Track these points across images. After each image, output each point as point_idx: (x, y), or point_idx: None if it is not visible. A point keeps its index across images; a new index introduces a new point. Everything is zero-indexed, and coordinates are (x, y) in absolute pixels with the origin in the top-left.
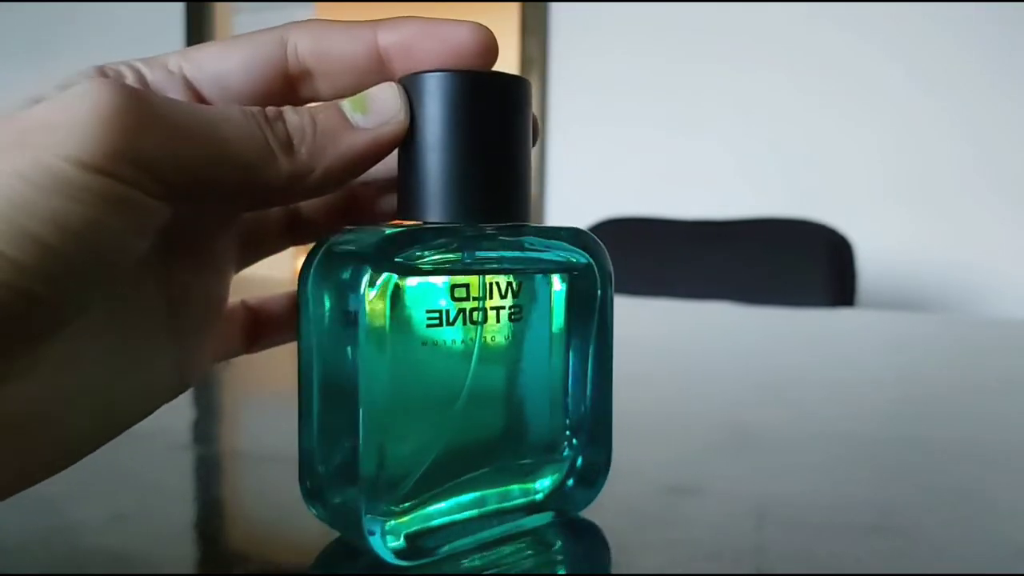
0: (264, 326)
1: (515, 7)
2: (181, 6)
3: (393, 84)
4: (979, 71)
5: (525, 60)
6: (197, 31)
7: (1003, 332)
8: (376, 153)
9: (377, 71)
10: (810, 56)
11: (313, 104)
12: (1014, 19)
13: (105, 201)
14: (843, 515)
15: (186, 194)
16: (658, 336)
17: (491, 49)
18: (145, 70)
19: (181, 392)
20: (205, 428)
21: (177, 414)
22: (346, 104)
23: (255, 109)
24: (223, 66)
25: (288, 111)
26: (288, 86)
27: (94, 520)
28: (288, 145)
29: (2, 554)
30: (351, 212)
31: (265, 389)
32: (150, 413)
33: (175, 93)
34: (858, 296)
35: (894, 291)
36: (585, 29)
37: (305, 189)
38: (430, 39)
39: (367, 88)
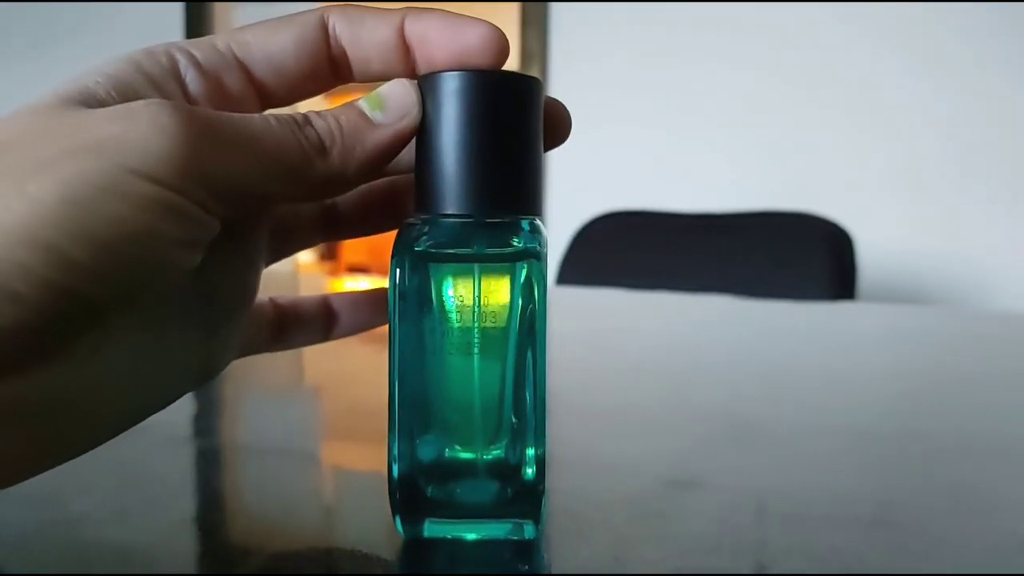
0: (292, 325)
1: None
2: (181, 5)
3: (404, 80)
4: (978, 63)
5: (525, 55)
6: (197, 30)
7: (1003, 324)
8: (398, 145)
9: (402, 59)
10: (808, 51)
11: (333, 108)
12: (1012, 14)
13: (167, 211)
14: (843, 508)
15: (235, 205)
16: (658, 329)
17: (502, 52)
18: (196, 52)
19: (204, 383)
20: (206, 421)
21: (178, 407)
22: (364, 104)
23: (287, 116)
24: (273, 47)
25: (313, 116)
26: (331, 66)
27: (96, 513)
28: (321, 148)
29: (3, 547)
30: (386, 209)
31: (267, 383)
32: (172, 402)
33: (229, 72)
34: (858, 289)
35: (894, 284)
36: (585, 24)
37: (338, 187)
38: (447, 35)
39: (392, 77)
